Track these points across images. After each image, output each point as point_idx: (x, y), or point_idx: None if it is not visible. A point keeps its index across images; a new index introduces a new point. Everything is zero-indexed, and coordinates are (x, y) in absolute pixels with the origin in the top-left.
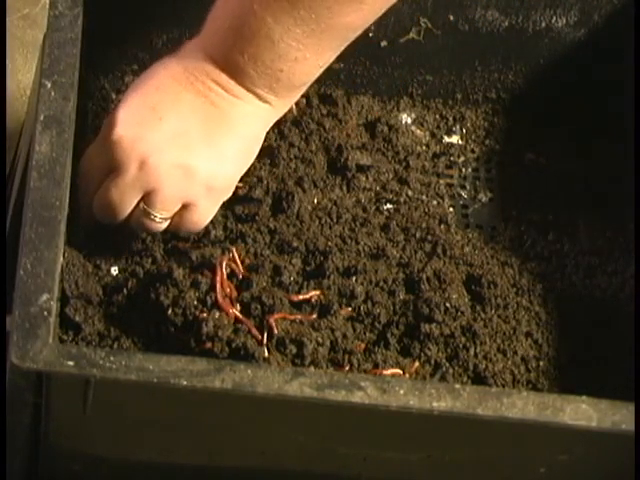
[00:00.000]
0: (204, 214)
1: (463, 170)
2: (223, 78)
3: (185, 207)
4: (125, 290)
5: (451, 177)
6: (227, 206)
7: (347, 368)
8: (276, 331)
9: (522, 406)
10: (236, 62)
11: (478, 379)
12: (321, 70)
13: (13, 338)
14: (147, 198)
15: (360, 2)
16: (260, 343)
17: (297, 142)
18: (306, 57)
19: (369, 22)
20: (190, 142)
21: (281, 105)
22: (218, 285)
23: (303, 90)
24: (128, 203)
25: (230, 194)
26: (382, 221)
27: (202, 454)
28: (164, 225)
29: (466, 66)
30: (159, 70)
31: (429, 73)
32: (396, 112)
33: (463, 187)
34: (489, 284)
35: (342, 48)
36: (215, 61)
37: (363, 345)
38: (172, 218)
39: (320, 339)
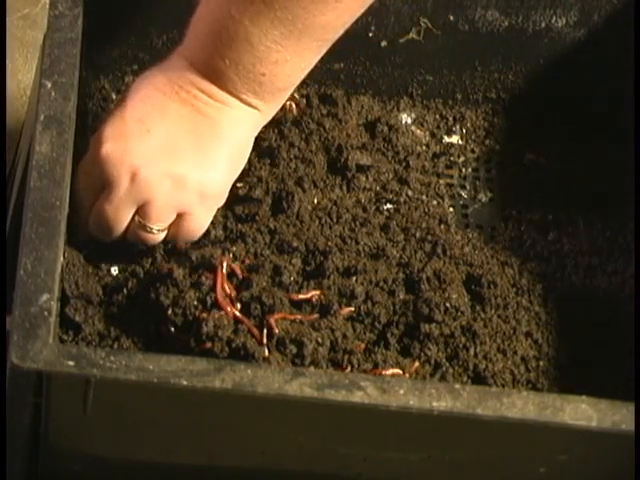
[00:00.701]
0: (200, 222)
1: (463, 170)
2: (207, 85)
3: (180, 216)
4: (125, 290)
5: (451, 177)
6: (227, 206)
7: (347, 368)
8: (276, 331)
9: (522, 406)
10: (218, 68)
11: (478, 379)
12: (305, 72)
13: (13, 338)
14: (141, 211)
15: (335, 1)
16: (260, 343)
17: (297, 142)
18: (286, 59)
19: (347, 22)
20: (179, 151)
21: (268, 108)
22: (218, 285)
23: (289, 92)
24: (123, 217)
25: (224, 200)
26: (382, 221)
27: (202, 454)
28: (162, 236)
29: (466, 66)
30: (143, 84)
31: (429, 73)
32: (396, 112)
33: (463, 187)
34: (489, 284)
35: (324, 50)
36: (197, 68)
37: (363, 345)
38: (169, 228)
39: (320, 339)
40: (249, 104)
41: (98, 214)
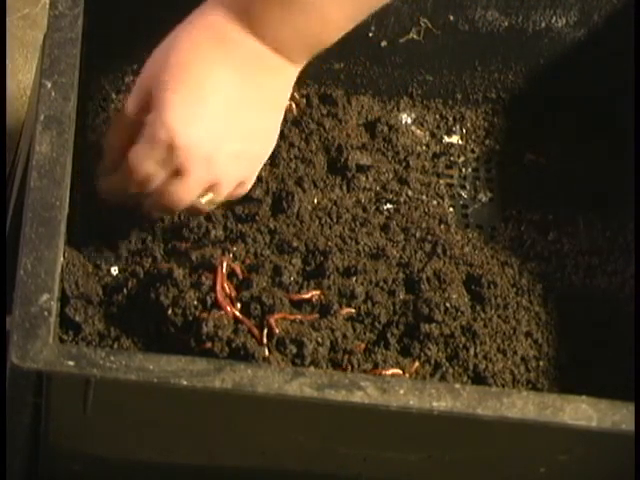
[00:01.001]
0: (249, 185)
1: (463, 170)
2: (257, 47)
3: (238, 185)
4: (125, 290)
5: (451, 177)
6: (227, 206)
7: (347, 368)
8: (276, 331)
9: (522, 406)
10: (267, 25)
11: (478, 379)
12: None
13: (13, 338)
14: (211, 189)
15: None
16: (260, 343)
17: (297, 142)
18: (338, 23)
19: None
20: (237, 125)
21: (304, 63)
22: (218, 285)
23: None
24: (194, 198)
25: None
26: (382, 221)
27: (202, 454)
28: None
29: (466, 66)
30: (184, 42)
31: (429, 73)
32: (396, 112)
33: (463, 187)
34: (489, 284)
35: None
36: (243, 23)
37: (363, 345)
38: None
39: (320, 339)
40: (294, 61)
41: (169, 197)
